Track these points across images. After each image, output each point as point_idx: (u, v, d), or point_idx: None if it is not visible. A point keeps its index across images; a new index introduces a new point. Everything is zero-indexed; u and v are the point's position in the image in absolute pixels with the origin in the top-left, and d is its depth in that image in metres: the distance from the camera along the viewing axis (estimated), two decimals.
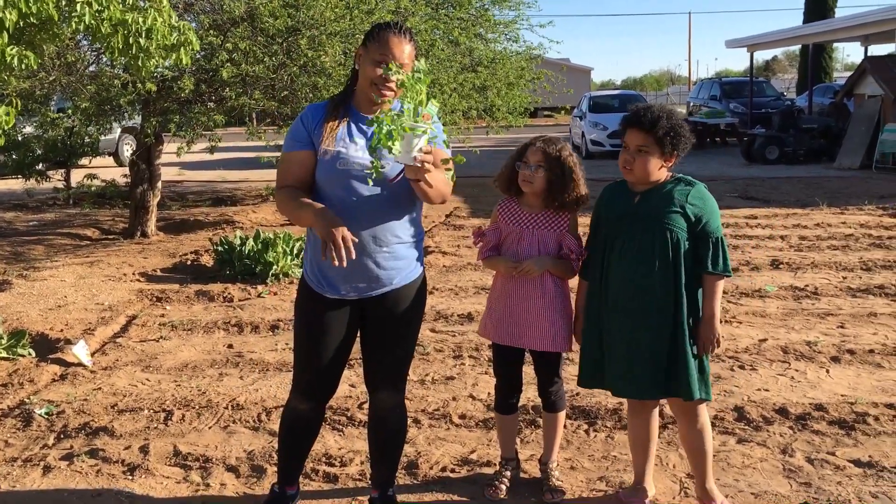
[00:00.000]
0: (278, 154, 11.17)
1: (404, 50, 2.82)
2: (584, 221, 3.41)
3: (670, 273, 3.06)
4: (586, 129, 19.81)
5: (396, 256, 2.94)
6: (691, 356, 3.11)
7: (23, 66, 4.74)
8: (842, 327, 5.71)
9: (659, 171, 3.11)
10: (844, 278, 7.10)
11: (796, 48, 34.92)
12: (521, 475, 3.62)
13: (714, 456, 3.46)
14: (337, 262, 2.60)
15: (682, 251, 3.07)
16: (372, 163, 2.66)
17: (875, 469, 3.63)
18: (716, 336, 3.12)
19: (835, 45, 31.72)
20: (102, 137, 10.90)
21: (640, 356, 3.11)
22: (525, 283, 3.37)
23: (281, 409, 3.26)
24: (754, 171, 16.05)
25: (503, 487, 3.48)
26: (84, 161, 11.59)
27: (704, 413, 3.26)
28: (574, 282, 3.45)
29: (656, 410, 3.39)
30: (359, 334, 3.12)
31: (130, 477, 3.66)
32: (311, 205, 2.77)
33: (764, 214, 10.62)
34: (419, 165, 2.61)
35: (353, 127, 2.92)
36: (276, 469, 3.62)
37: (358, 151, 2.87)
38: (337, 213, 2.78)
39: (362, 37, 2.95)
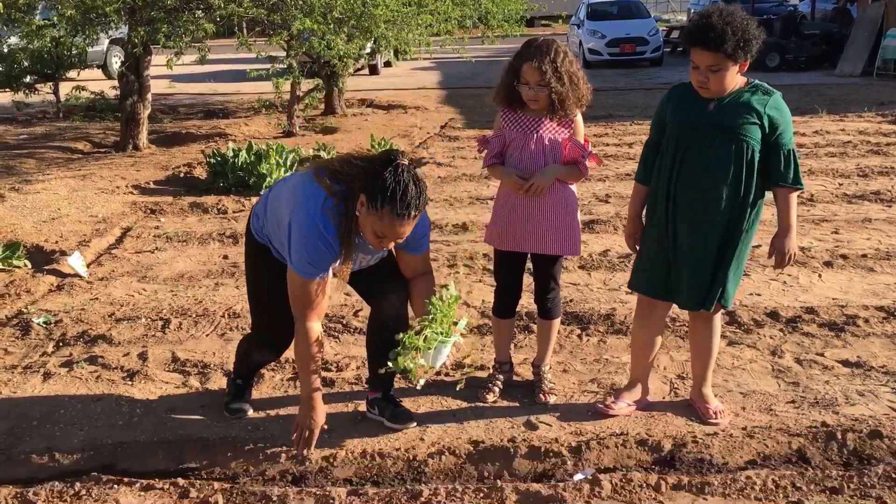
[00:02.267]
0: (267, 66, 10.85)
1: (406, 231, 2.78)
2: (589, 132, 3.36)
3: (741, 185, 3.00)
4: (584, 38, 19.38)
5: None
6: (740, 267, 3.13)
7: None
8: (836, 233, 5.73)
9: (736, 77, 2.98)
10: (840, 185, 7.08)
11: None
12: (514, 378, 3.68)
13: None
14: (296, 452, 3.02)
15: (755, 163, 2.99)
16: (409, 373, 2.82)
17: (863, 369, 3.69)
18: (793, 249, 3.10)
19: None
20: (90, 49, 10.66)
21: (704, 268, 3.08)
22: None
23: None
24: (755, 78, 15.80)
25: (496, 390, 3.54)
26: (72, 74, 11.38)
27: (719, 318, 3.31)
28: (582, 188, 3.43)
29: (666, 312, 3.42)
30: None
31: (130, 382, 3.71)
32: (313, 393, 2.96)
33: None
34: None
35: (359, 254, 2.99)
36: (270, 373, 3.70)
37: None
38: None
39: None
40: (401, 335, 2.81)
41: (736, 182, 3.00)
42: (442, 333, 2.83)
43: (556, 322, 3.60)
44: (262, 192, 7.14)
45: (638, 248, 3.32)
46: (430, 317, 2.83)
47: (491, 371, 3.65)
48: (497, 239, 3.45)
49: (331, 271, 2.88)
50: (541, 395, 3.51)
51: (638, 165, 3.33)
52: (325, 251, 2.80)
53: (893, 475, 2.82)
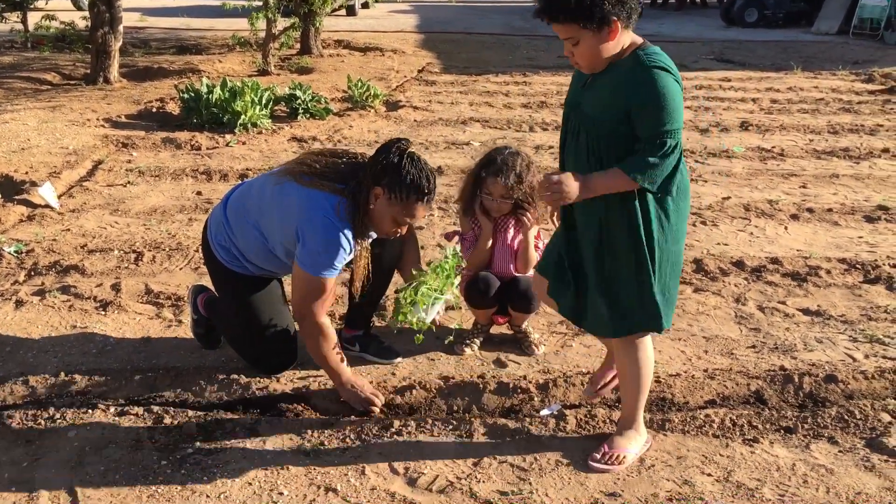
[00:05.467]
0: (244, 3, 10.60)
1: (425, 214, 2.92)
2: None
3: None
4: None
5: None
6: (647, 289, 2.45)
7: None
8: (804, 187, 5.83)
9: (607, 46, 2.30)
10: (811, 141, 7.18)
11: None
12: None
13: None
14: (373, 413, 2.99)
15: (624, 154, 2.34)
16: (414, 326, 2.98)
17: (822, 317, 3.81)
18: (570, 192, 2.34)
19: None
20: None
21: (594, 284, 2.52)
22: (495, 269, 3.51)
23: None
24: (732, 33, 15.83)
25: (474, 346, 3.52)
26: (41, 3, 11.08)
27: (644, 344, 2.61)
28: None
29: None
30: None
31: (103, 312, 3.72)
32: (348, 378, 2.98)
33: (738, 77, 10.56)
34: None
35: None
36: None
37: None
38: None
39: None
40: (398, 290, 2.91)
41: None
42: (436, 290, 2.94)
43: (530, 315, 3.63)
44: (236, 131, 7.12)
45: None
46: (426, 274, 2.96)
47: (470, 328, 3.61)
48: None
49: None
50: (532, 347, 3.51)
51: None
52: (347, 251, 2.84)
53: (846, 417, 2.94)
